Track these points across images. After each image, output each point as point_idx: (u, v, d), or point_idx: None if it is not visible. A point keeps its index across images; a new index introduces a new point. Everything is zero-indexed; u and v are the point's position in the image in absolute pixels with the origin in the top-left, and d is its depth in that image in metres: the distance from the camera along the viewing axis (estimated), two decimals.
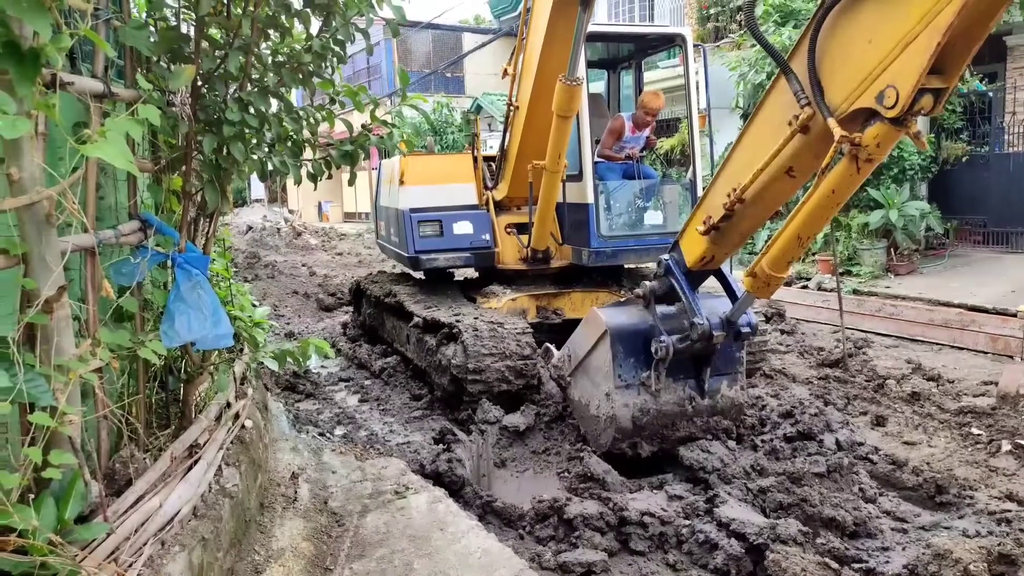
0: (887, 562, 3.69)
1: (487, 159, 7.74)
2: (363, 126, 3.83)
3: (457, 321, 5.84)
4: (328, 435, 5.26)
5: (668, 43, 7.71)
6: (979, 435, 5.43)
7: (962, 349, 7.98)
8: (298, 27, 3.42)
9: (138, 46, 2.65)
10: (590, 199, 6.44)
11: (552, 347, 5.75)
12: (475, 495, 4.36)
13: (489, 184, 7.55)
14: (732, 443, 5.27)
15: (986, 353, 7.76)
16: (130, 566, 2.15)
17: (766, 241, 4.08)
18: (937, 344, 8.25)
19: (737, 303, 4.49)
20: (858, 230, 11.66)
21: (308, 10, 3.33)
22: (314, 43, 3.36)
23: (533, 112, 6.32)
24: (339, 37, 3.41)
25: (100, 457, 2.53)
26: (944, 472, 4.80)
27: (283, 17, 3.26)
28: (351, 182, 3.80)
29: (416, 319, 6.47)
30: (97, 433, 2.53)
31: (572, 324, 5.70)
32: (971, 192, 12.27)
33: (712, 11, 16.09)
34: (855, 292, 10.60)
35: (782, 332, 8.82)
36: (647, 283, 4.85)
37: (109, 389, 2.67)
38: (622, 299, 5.93)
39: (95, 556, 2.08)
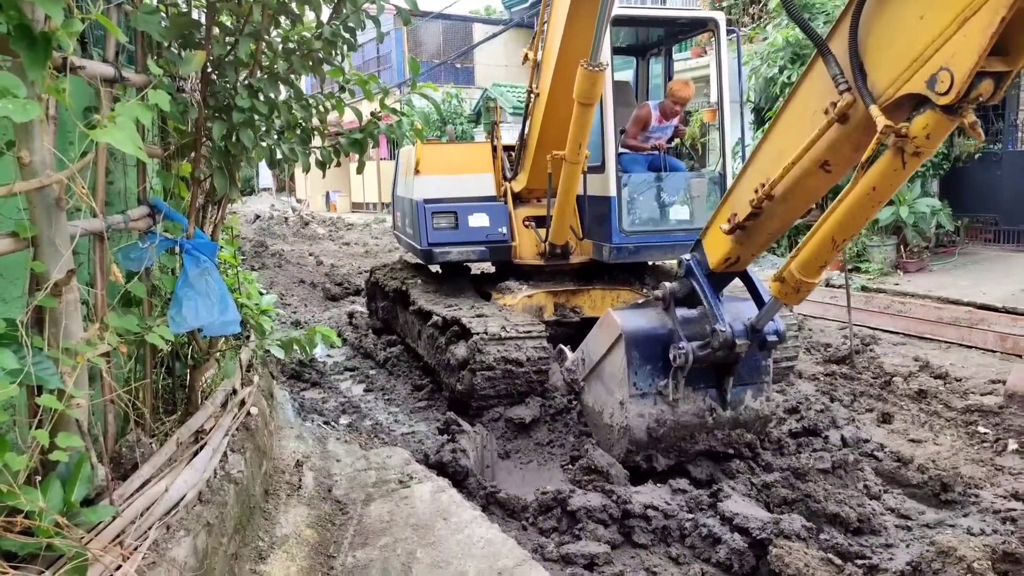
0: (891, 559, 3.68)
1: (507, 148, 7.40)
2: (372, 114, 3.82)
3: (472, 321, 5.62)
4: (333, 424, 5.28)
5: (701, 28, 7.21)
6: (985, 434, 5.41)
7: (971, 347, 7.94)
8: (309, 14, 3.41)
9: (149, 31, 2.64)
10: (612, 192, 6.11)
11: (567, 349, 5.53)
12: (479, 486, 4.37)
13: (508, 175, 7.24)
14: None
15: (995, 352, 7.71)
16: (135, 549, 2.16)
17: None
18: (945, 342, 8.21)
19: (763, 309, 4.17)
20: (867, 227, 11.60)
21: None
22: (325, 30, 3.35)
23: (554, 99, 6.00)
24: (350, 24, 3.40)
25: (107, 441, 2.54)
26: (949, 470, 4.79)
27: (294, 4, 3.25)
28: (360, 170, 3.79)
29: (435, 317, 6.18)
30: (104, 417, 2.55)
31: (591, 323, 5.39)
32: (983, 190, 12.17)
33: (725, 4, 15.96)
34: (864, 289, 10.55)
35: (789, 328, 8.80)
36: (667, 284, 4.57)
37: (116, 374, 2.68)
38: (640, 300, 5.67)
39: (101, 539, 2.09)
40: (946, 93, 2.66)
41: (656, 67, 7.76)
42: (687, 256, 4.46)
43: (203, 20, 3.00)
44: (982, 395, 6.26)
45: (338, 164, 3.79)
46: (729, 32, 6.72)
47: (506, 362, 5.22)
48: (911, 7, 2.78)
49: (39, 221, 2.10)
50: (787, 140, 3.47)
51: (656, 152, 6.69)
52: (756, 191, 3.65)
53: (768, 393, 4.76)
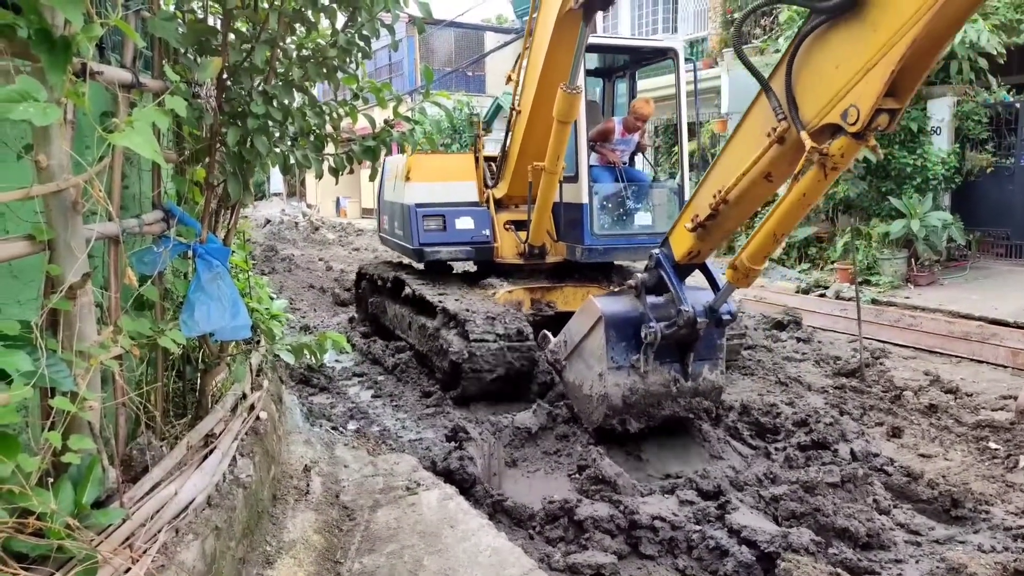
0: (900, 574, 3.65)
1: (488, 159, 8.13)
2: (385, 121, 3.84)
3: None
4: (341, 429, 5.28)
5: (661, 55, 8.14)
6: (996, 449, 5.37)
7: (981, 362, 7.89)
8: (323, 22, 3.44)
9: (167, 37, 2.67)
10: (584, 199, 6.88)
11: (549, 334, 6.04)
12: (486, 494, 4.36)
13: (490, 183, 7.95)
14: (746, 449, 5.26)
15: (1006, 367, 7.66)
16: (144, 552, 2.17)
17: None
18: (956, 357, 8.16)
19: (720, 293, 4.89)
20: (879, 239, 11.56)
21: (334, 5, 3.34)
22: (339, 38, 3.38)
23: (535, 116, 6.69)
24: (364, 33, 3.42)
25: (118, 443, 2.55)
26: (960, 486, 4.74)
27: (309, 12, 3.28)
28: (372, 177, 3.81)
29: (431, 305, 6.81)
30: (115, 419, 2.56)
31: (564, 316, 6.03)
32: (995, 204, 12.11)
33: (736, 15, 15.99)
34: (874, 302, 10.50)
35: (799, 340, 8.76)
36: (639, 275, 5.22)
37: (128, 376, 2.70)
38: (615, 290, 6.20)
39: (111, 541, 2.10)
40: (855, 124, 3.46)
41: (621, 87, 8.67)
42: (656, 251, 5.14)
43: (219, 27, 3.02)
44: (993, 410, 6.21)
45: (351, 171, 3.81)
46: (687, 60, 7.58)
47: (497, 337, 6.01)
48: (830, 59, 3.58)
49: (55, 224, 2.12)
50: (738, 156, 4.24)
51: (612, 166, 7.41)
52: (715, 196, 4.40)
53: (721, 367, 5.48)
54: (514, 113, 7.14)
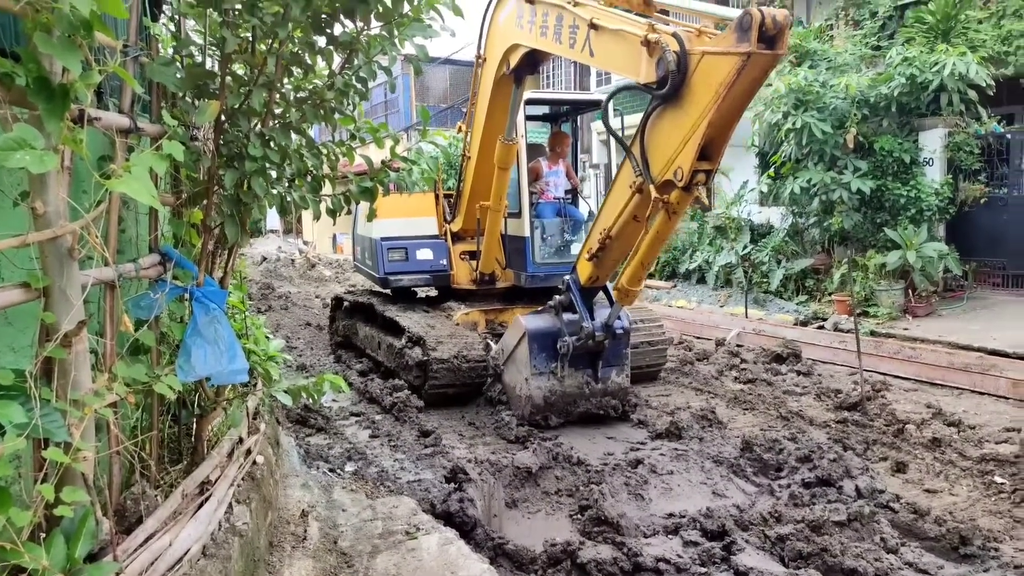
0: None
1: (447, 196, 9.25)
2: (383, 162, 3.84)
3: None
4: (339, 471, 5.20)
5: (595, 106, 9.23)
6: (1002, 484, 5.30)
7: (983, 394, 7.84)
8: (320, 63, 3.45)
9: (165, 82, 2.67)
10: (527, 232, 7.89)
11: (491, 343, 7.43)
12: (486, 536, 4.28)
13: (448, 218, 9.02)
14: (750, 487, 5.18)
15: (1007, 399, 7.61)
16: None
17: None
18: (957, 388, 8.11)
19: (611, 311, 6.11)
20: (875, 271, 11.57)
21: (331, 47, 3.37)
22: (336, 80, 3.39)
23: (480, 162, 7.68)
24: (361, 75, 3.44)
25: (111, 493, 2.50)
26: (967, 522, 4.67)
27: (306, 55, 3.29)
28: (370, 218, 3.80)
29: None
30: (109, 468, 2.50)
31: None
32: (990, 234, 12.14)
33: None
34: (872, 334, 10.48)
35: (798, 373, 8.71)
36: (557, 296, 6.38)
37: (123, 423, 2.65)
38: (539, 309, 7.10)
39: None
40: (681, 180, 4.59)
41: (566, 129, 9.53)
42: (567, 276, 6.36)
43: (217, 70, 3.03)
44: (997, 443, 6.15)
45: (348, 212, 3.80)
46: (615, 111, 8.46)
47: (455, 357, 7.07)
48: (664, 132, 4.73)
49: (51, 271, 2.09)
50: (615, 202, 5.50)
51: (559, 200, 8.40)
52: (601, 233, 5.69)
53: (627, 372, 6.78)
54: (465, 158, 8.12)
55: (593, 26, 5.07)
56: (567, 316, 6.25)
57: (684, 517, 4.62)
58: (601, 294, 6.45)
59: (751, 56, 3.99)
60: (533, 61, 6.70)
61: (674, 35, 4.47)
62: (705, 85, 4.29)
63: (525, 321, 6.50)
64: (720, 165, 4.73)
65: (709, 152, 4.53)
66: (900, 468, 5.67)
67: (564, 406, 6.46)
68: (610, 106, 6.50)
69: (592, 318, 6.14)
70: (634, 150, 4.99)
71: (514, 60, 6.66)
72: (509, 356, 6.75)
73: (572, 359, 6.29)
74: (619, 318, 6.18)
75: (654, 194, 4.78)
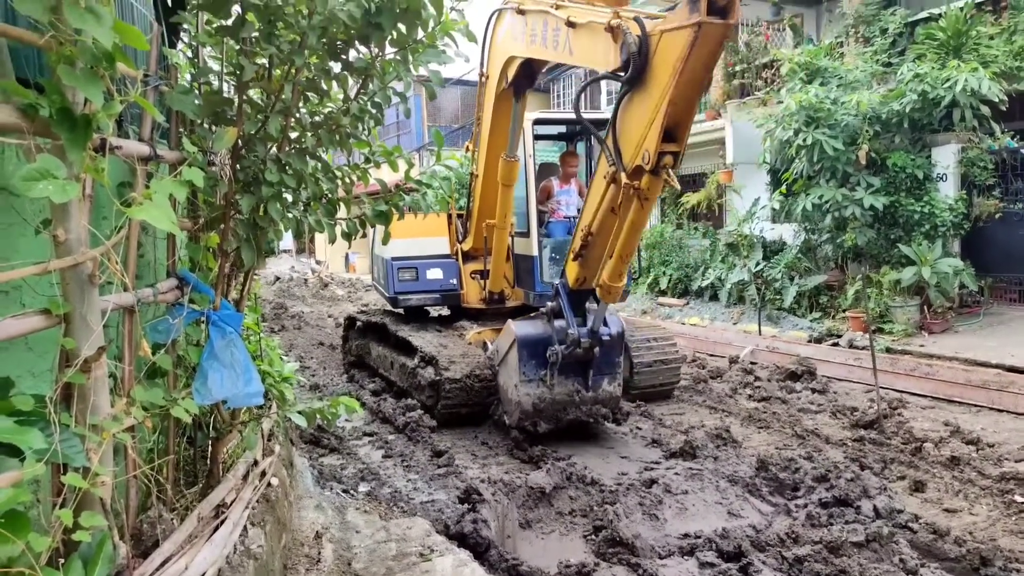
0: None
1: (459, 215, 9.18)
2: (397, 186, 3.88)
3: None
4: (352, 492, 5.20)
5: (606, 125, 9.12)
6: (1023, 503, 5.23)
7: (1001, 411, 7.75)
8: (335, 89, 3.50)
9: (184, 110, 2.72)
10: (535, 252, 7.89)
11: (489, 343, 7.49)
12: (500, 558, 4.26)
13: (460, 237, 9.00)
14: (766, 507, 5.14)
15: None
16: None
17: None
18: (975, 405, 8.02)
19: (595, 314, 5.97)
20: (890, 287, 11.49)
21: (346, 73, 3.41)
22: (352, 106, 3.43)
23: (486, 180, 7.72)
24: (376, 100, 3.48)
25: (128, 516, 2.51)
26: (988, 542, 4.61)
27: (322, 81, 3.34)
28: (385, 241, 3.83)
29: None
30: (126, 492, 2.52)
31: None
32: (1006, 249, 12.04)
33: (738, 68, 16.25)
34: (888, 350, 10.40)
35: (813, 391, 8.65)
36: (549, 303, 6.27)
37: (140, 447, 2.67)
38: (532, 315, 7.04)
39: None
40: (648, 163, 4.52)
41: (580, 148, 9.46)
42: (557, 281, 6.27)
43: (234, 97, 3.08)
44: (1016, 461, 6.07)
45: (363, 235, 3.83)
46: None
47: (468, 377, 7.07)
48: (632, 118, 4.69)
49: (72, 297, 2.12)
50: (594, 198, 5.47)
51: (569, 219, 8.20)
52: (584, 231, 5.66)
53: (619, 380, 6.68)
54: (473, 177, 8.12)
55: (570, 24, 5.15)
56: (558, 323, 6.15)
57: (700, 538, 4.58)
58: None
59: (702, 26, 3.94)
60: (530, 72, 6.80)
61: (635, 19, 4.50)
62: (664, 64, 4.27)
63: (516, 327, 6.45)
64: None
65: (675, 134, 4.46)
66: (918, 487, 5.61)
67: (554, 413, 6.41)
68: (582, 98, 6.45)
69: (584, 324, 6.04)
70: (608, 141, 4.97)
71: (511, 73, 6.77)
72: (502, 359, 6.76)
73: (562, 367, 6.23)
74: (607, 324, 6.11)
75: (624, 181, 4.77)
